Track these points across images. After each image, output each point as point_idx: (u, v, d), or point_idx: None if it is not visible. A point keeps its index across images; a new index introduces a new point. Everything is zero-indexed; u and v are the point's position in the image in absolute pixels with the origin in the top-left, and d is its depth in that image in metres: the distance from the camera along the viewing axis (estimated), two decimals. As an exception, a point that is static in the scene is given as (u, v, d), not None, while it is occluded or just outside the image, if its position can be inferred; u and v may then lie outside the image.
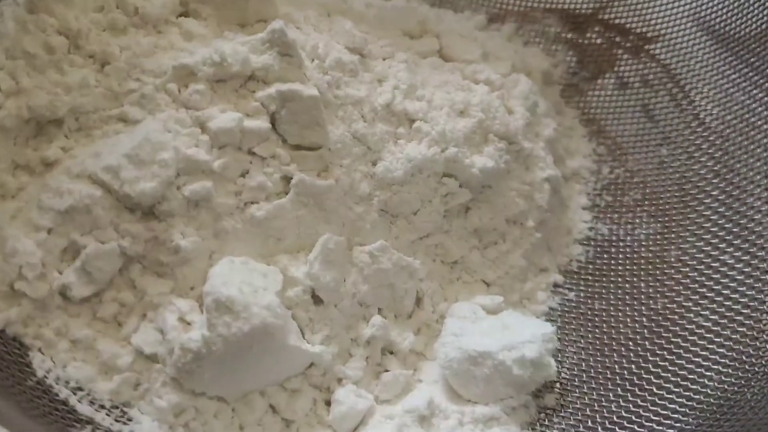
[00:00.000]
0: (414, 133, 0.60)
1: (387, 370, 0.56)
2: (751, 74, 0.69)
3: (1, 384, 0.45)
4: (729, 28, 0.71)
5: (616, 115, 0.75)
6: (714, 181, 0.67)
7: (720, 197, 0.66)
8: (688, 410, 0.53)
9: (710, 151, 0.68)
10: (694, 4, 0.74)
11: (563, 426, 0.55)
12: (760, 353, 0.54)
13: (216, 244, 0.52)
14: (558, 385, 0.58)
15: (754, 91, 0.68)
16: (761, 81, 0.68)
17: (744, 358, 0.54)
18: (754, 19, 0.70)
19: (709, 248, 0.63)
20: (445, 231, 0.62)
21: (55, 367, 0.48)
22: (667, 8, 0.75)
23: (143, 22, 0.56)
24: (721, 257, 0.62)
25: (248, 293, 0.49)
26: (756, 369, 0.53)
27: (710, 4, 0.73)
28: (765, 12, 0.69)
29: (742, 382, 0.53)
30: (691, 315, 0.60)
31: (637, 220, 0.69)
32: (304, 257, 0.55)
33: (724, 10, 0.72)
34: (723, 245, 0.63)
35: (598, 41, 0.78)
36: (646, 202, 0.69)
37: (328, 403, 0.54)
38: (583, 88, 0.77)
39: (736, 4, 0.71)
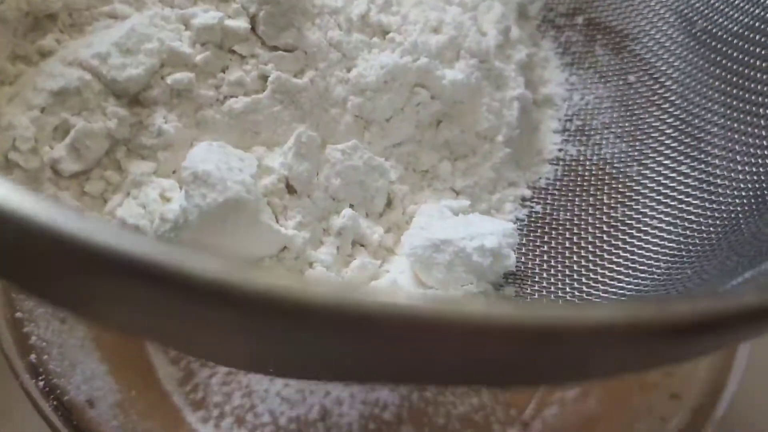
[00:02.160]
0: (387, 43, 0.64)
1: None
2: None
3: None
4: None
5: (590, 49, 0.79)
6: (675, 102, 0.70)
7: (681, 116, 0.69)
8: (635, 288, 0.56)
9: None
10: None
11: (520, 312, 0.59)
12: (705, 243, 0.57)
13: (196, 133, 0.57)
14: (519, 280, 0.62)
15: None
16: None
17: (690, 247, 0.58)
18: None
19: (668, 161, 0.67)
20: (417, 141, 0.66)
21: (46, 233, 0.52)
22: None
23: (133, -71, 0.60)
24: (678, 168, 0.66)
25: (224, 170, 0.53)
26: (700, 253, 0.56)
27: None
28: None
29: (687, 264, 0.56)
30: (647, 219, 0.64)
31: (603, 141, 0.72)
32: (279, 152, 0.59)
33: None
34: (681, 157, 0.66)
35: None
36: (612, 125, 0.73)
37: (300, 285, 0.58)
38: (560, 23, 0.81)
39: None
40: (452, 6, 0.69)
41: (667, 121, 0.70)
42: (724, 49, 0.69)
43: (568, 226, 0.66)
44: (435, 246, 0.58)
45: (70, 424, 0.57)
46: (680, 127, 0.68)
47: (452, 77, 0.65)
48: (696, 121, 0.67)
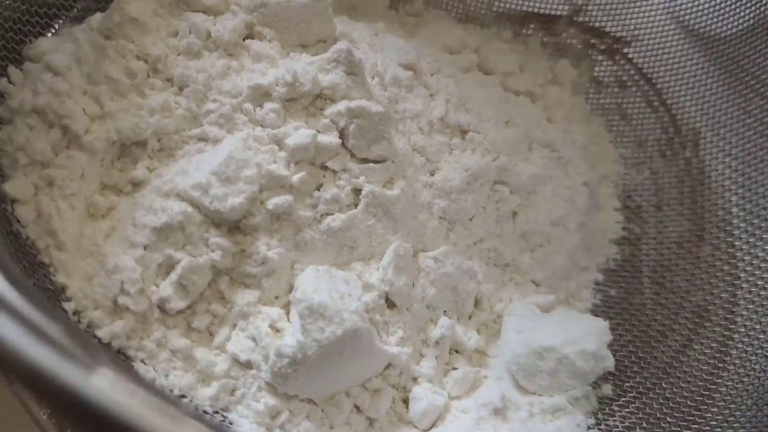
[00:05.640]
0: (467, 143, 0.64)
1: (455, 368, 0.60)
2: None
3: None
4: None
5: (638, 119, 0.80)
6: (738, 181, 0.72)
7: (746, 195, 0.70)
8: (738, 391, 0.57)
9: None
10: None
11: (623, 413, 0.59)
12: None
13: (297, 255, 0.55)
14: (611, 375, 0.62)
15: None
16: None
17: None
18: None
19: (739, 243, 0.68)
20: (498, 235, 0.65)
21: (159, 377, 0.50)
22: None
23: (215, 46, 0.58)
24: (752, 250, 0.67)
25: (337, 299, 0.52)
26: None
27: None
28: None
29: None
30: (729, 306, 0.64)
31: (665, 219, 0.73)
32: (375, 264, 0.58)
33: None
34: (752, 239, 0.67)
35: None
36: (673, 202, 0.74)
37: (405, 401, 0.57)
38: (605, 96, 0.82)
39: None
40: (519, 96, 0.69)
41: (731, 199, 0.71)
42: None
43: (647, 312, 0.67)
44: (537, 354, 0.58)
45: (65, 433, 0.53)
46: (745, 207, 0.70)
47: (530, 172, 0.65)
48: (762, 201, 0.69)
